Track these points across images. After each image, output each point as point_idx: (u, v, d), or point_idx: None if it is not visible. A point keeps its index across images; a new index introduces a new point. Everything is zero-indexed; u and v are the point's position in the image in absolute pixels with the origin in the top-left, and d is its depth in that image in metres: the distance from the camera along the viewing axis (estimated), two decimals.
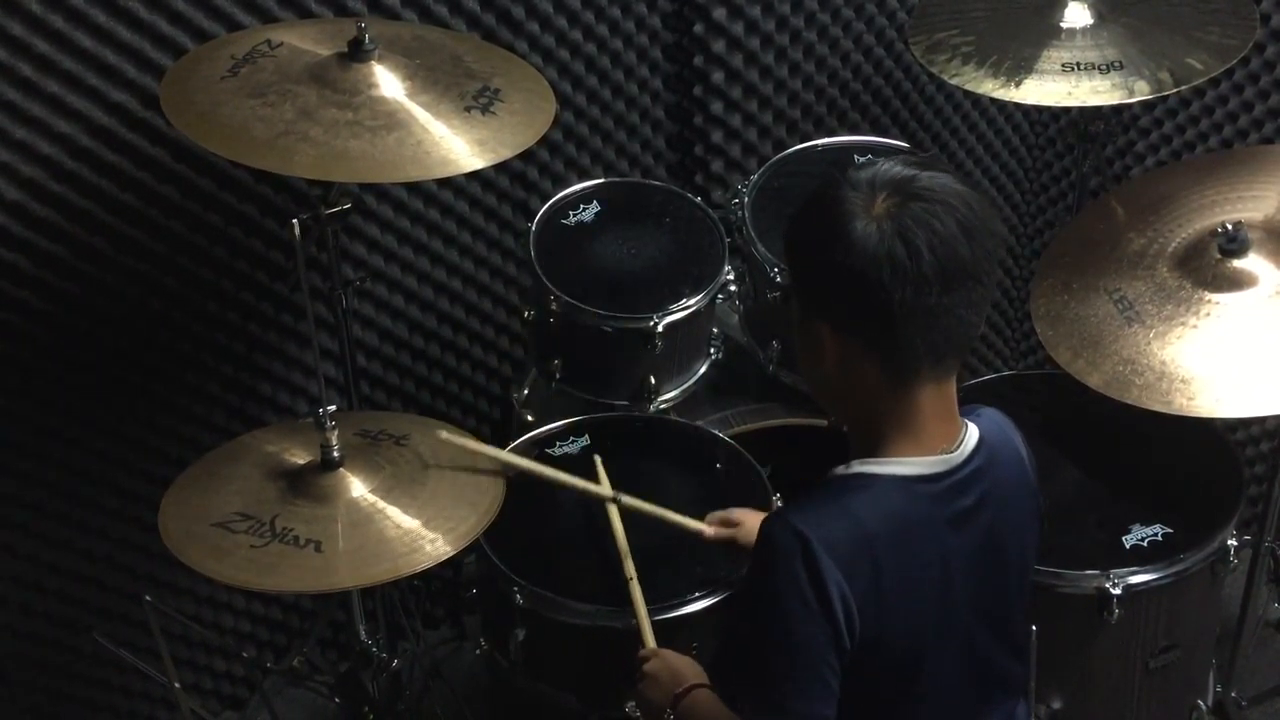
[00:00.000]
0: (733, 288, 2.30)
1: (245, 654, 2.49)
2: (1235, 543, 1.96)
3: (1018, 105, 2.90)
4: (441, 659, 2.49)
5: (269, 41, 1.91)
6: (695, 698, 1.52)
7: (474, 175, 2.45)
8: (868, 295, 1.28)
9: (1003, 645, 1.45)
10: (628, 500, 1.84)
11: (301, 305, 2.33)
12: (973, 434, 1.39)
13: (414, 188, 2.42)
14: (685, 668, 1.58)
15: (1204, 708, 2.09)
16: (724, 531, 1.78)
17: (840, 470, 1.37)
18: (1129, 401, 1.87)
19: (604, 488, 1.86)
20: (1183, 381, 1.86)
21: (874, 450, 1.36)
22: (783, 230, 1.40)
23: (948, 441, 1.37)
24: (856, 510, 1.32)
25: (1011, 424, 1.48)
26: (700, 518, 1.82)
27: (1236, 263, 1.93)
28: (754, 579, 1.37)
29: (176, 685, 2.05)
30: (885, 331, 1.30)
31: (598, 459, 1.93)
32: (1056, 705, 1.96)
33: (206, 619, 2.45)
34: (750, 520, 1.75)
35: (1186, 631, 1.99)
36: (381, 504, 1.71)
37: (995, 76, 2.13)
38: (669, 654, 1.64)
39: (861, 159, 2.34)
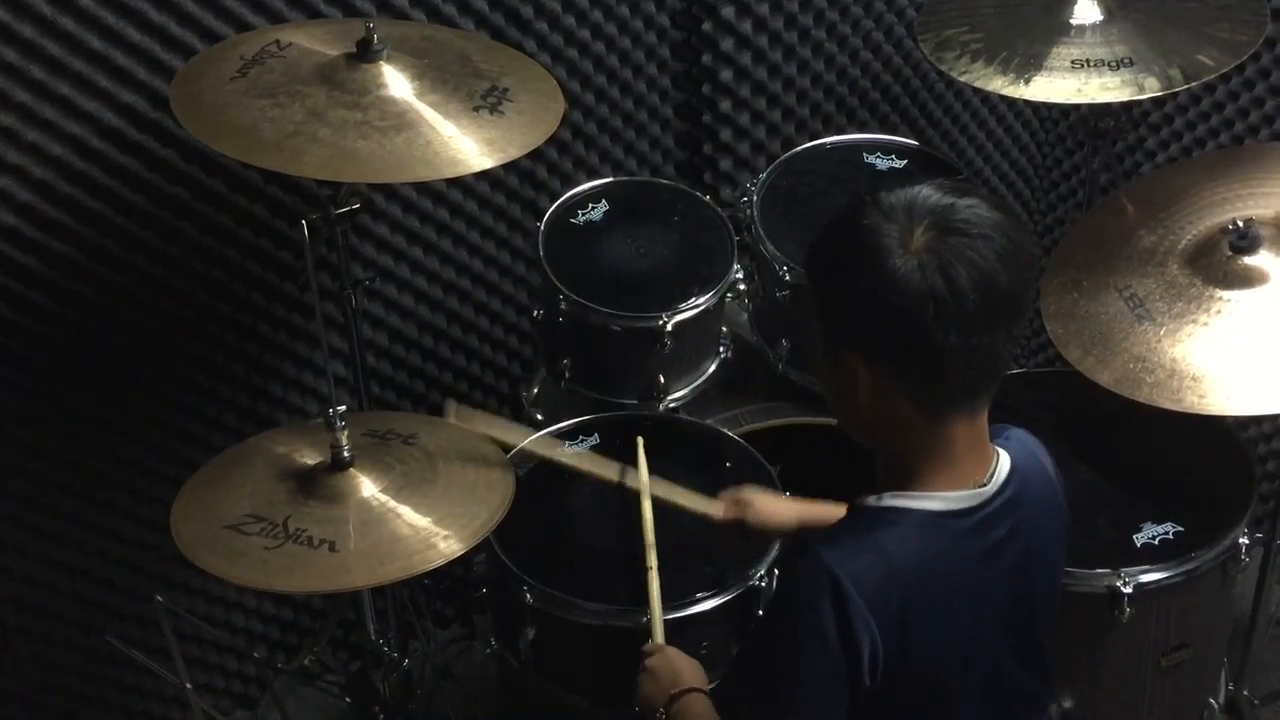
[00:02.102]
0: (742, 286, 2.30)
1: (256, 654, 2.49)
2: (1247, 541, 1.95)
3: (1027, 102, 2.90)
4: (452, 658, 2.49)
5: (278, 42, 1.91)
6: (690, 701, 1.51)
7: (483, 174, 2.45)
8: (909, 333, 1.24)
9: (1029, 667, 1.43)
10: (632, 481, 1.83)
11: (312, 305, 2.33)
12: (1005, 463, 1.36)
13: (423, 187, 2.42)
14: (686, 668, 1.57)
15: (1216, 706, 2.08)
16: (733, 511, 1.76)
17: (871, 502, 1.34)
18: (1139, 399, 1.86)
19: (610, 470, 1.85)
20: (1193, 379, 1.86)
21: (905, 482, 1.32)
22: (807, 254, 1.35)
23: (980, 472, 1.34)
24: (887, 546, 1.29)
25: (1040, 444, 1.45)
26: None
27: (1247, 260, 1.92)
28: (778, 610, 1.36)
29: (188, 685, 2.05)
30: (924, 368, 1.27)
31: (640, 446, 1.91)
32: (1068, 704, 1.96)
33: (218, 619, 2.45)
34: (760, 502, 1.73)
35: (1198, 630, 1.98)
36: (393, 503, 1.71)
37: (1004, 73, 2.12)
38: (673, 652, 1.63)
39: (872, 157, 2.36)
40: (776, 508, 1.76)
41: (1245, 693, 2.28)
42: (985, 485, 1.34)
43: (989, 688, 1.40)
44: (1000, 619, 1.37)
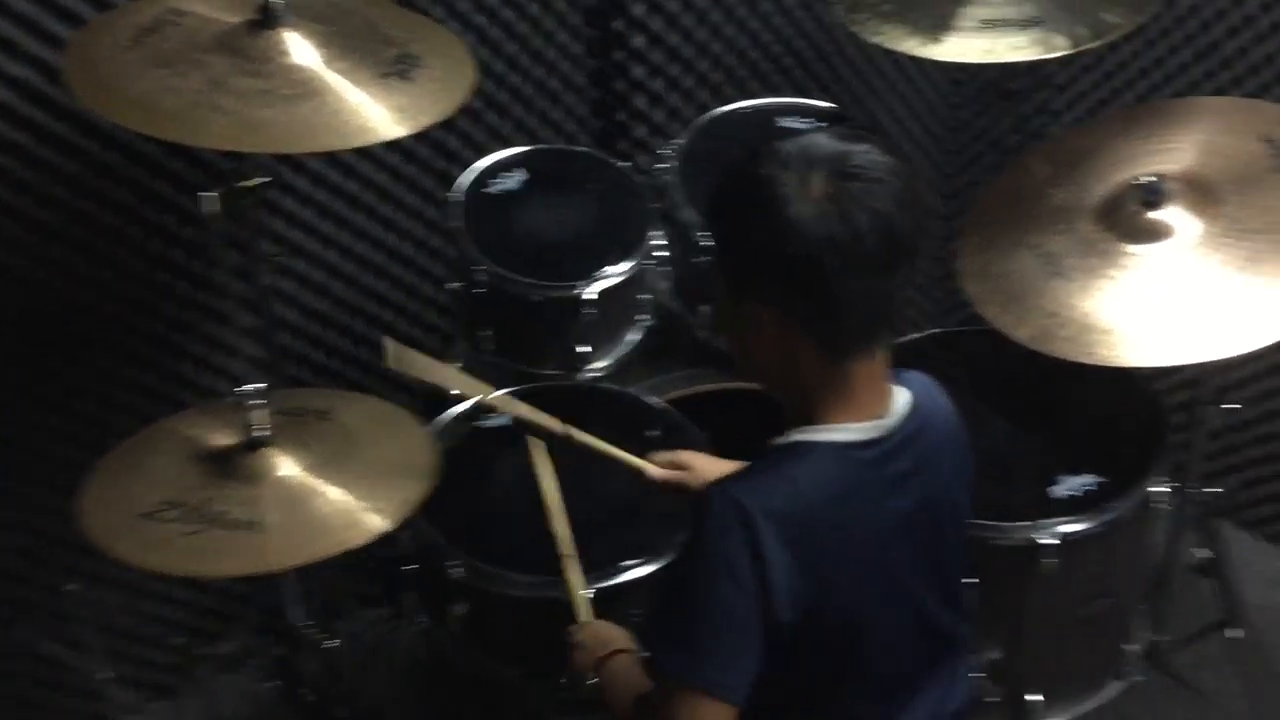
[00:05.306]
0: (661, 253, 2.29)
1: (175, 641, 2.43)
2: (1160, 490, 2.00)
3: (936, 65, 2.92)
4: (379, 638, 2.46)
5: (174, 10, 1.85)
6: (617, 661, 1.52)
7: (394, 147, 2.41)
8: (811, 279, 1.27)
9: (946, 606, 1.45)
10: (578, 435, 1.79)
11: (220, 283, 2.28)
12: (904, 398, 1.39)
13: (332, 160, 2.37)
14: (613, 635, 1.58)
15: (1135, 652, 2.13)
16: (672, 474, 1.72)
17: (779, 440, 1.36)
18: (1055, 354, 1.88)
19: (554, 422, 1.81)
20: (1105, 333, 1.88)
21: (810, 419, 1.35)
22: (705, 208, 1.38)
23: (880, 407, 1.37)
24: (796, 479, 1.31)
25: (937, 384, 1.48)
26: (635, 484, 1.78)
27: (1155, 215, 1.96)
28: (692, 548, 1.36)
29: (104, 675, 2.00)
30: (827, 312, 1.29)
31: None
32: (994, 656, 1.99)
33: (132, 608, 2.39)
34: (701, 464, 1.71)
35: (1117, 578, 2.03)
36: (314, 480, 1.68)
37: (916, 34, 2.14)
38: (598, 624, 1.65)
39: (787, 120, 2.36)
40: (719, 469, 1.73)
41: (1161, 638, 2.34)
42: (887, 418, 1.36)
43: (913, 628, 1.42)
44: (913, 555, 1.39)
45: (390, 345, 1.78)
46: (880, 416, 1.36)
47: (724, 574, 1.28)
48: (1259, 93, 2.47)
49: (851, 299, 1.28)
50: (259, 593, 2.38)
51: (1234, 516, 2.71)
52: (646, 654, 1.39)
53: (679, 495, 1.72)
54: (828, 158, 1.28)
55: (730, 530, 1.28)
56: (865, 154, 1.29)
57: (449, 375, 1.83)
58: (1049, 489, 1.97)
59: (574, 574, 1.73)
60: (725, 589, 1.28)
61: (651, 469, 1.74)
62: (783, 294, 1.30)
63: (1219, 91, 2.52)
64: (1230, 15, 2.48)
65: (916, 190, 1.31)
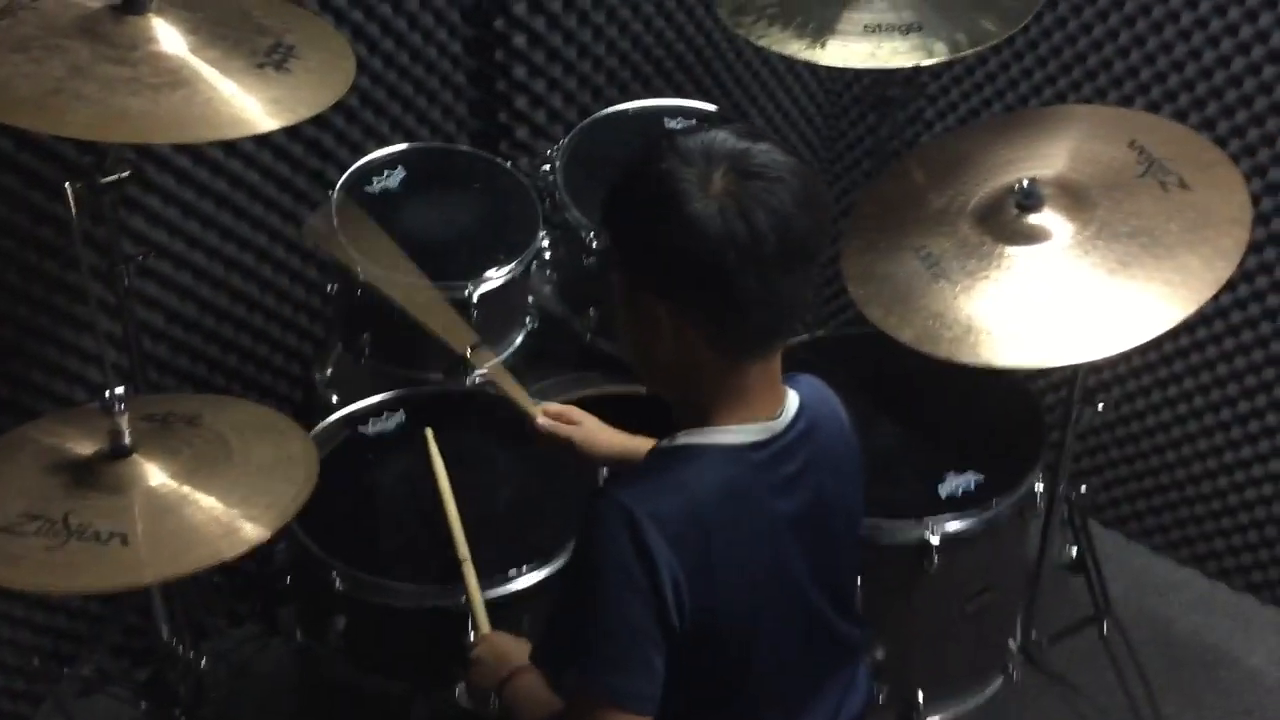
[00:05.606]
0: (547, 255, 2.25)
1: (30, 666, 2.29)
2: (1041, 487, 2.04)
3: (814, 73, 2.97)
4: (249, 656, 2.36)
5: None
6: (520, 680, 1.48)
7: (265, 143, 2.33)
8: (711, 277, 1.25)
9: (839, 609, 1.45)
10: (485, 358, 1.76)
11: (76, 285, 2.15)
12: (794, 400, 1.39)
13: (199, 157, 2.27)
14: (513, 650, 1.54)
15: (1014, 647, 2.17)
16: (559, 426, 1.69)
17: (666, 443, 1.34)
18: (939, 355, 1.91)
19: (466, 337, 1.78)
20: (987, 334, 1.92)
21: (700, 421, 1.33)
22: (604, 201, 1.34)
23: (772, 409, 1.36)
24: (685, 482, 1.29)
25: (828, 388, 1.48)
26: (524, 490, 1.75)
27: (1032, 218, 2.00)
28: (580, 555, 1.33)
29: None
30: (723, 312, 1.28)
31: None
32: (880, 656, 2.00)
33: None
34: (589, 423, 1.68)
35: (999, 574, 2.07)
36: (185, 489, 1.59)
37: (800, 38, 2.15)
38: (497, 637, 1.60)
39: (673, 122, 2.35)
40: (604, 433, 1.71)
41: (1034, 634, 2.39)
42: (776, 419, 1.35)
43: (807, 632, 1.41)
44: (803, 556, 1.38)
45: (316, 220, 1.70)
46: (773, 418, 1.35)
47: (619, 582, 1.25)
48: (1123, 104, 2.55)
49: (750, 298, 1.26)
50: (118, 612, 2.25)
51: (1099, 515, 2.81)
52: (549, 670, 1.35)
53: (560, 448, 1.69)
54: (729, 155, 1.27)
55: (618, 536, 1.25)
56: (766, 153, 1.28)
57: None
58: (935, 487, 1.99)
59: (472, 581, 1.68)
60: (623, 597, 1.25)
61: (540, 418, 1.70)
62: (680, 290, 1.28)
63: (1085, 103, 2.60)
64: (1095, 29, 2.56)
65: (817, 191, 1.30)
